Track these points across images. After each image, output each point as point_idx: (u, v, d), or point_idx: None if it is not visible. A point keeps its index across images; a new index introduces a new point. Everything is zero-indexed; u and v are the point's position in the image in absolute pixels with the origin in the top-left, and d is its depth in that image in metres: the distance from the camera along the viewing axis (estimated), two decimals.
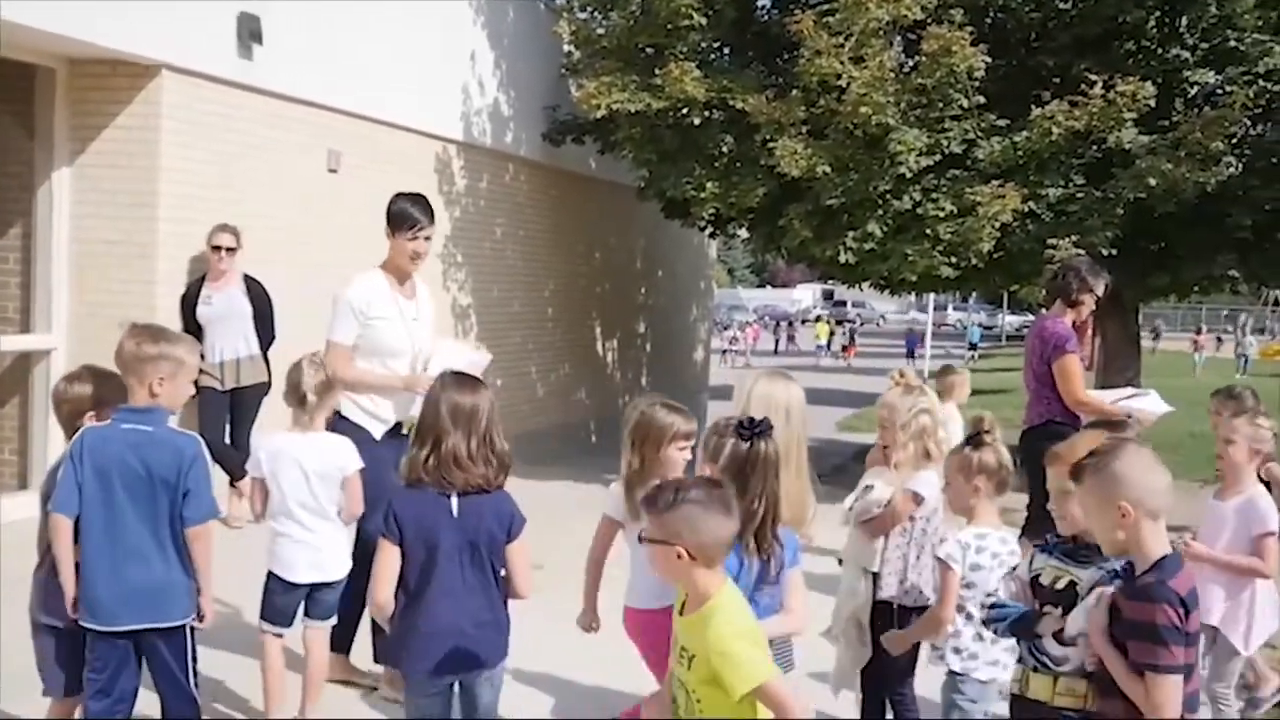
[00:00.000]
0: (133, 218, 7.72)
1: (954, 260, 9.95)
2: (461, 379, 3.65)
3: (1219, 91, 10.12)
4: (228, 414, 7.95)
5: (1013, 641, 3.95)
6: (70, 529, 3.69)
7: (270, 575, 4.54)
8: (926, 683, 4.46)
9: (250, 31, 8.21)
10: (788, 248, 11.08)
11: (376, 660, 5.13)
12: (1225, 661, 4.72)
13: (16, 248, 7.92)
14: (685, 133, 10.63)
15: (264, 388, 7.94)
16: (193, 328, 7.74)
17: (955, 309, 61.50)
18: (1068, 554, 3.28)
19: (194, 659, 3.85)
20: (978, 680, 3.92)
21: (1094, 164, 10.01)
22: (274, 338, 8.05)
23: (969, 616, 3.86)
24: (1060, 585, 3.21)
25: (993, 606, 3.35)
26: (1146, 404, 6.32)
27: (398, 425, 5.07)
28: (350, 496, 4.58)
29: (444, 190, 11.03)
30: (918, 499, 4.24)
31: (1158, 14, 10.02)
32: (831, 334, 41.93)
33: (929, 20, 9.72)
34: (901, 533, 4.29)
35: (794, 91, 9.87)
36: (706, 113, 10.46)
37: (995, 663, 3.92)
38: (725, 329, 40.06)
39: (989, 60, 9.52)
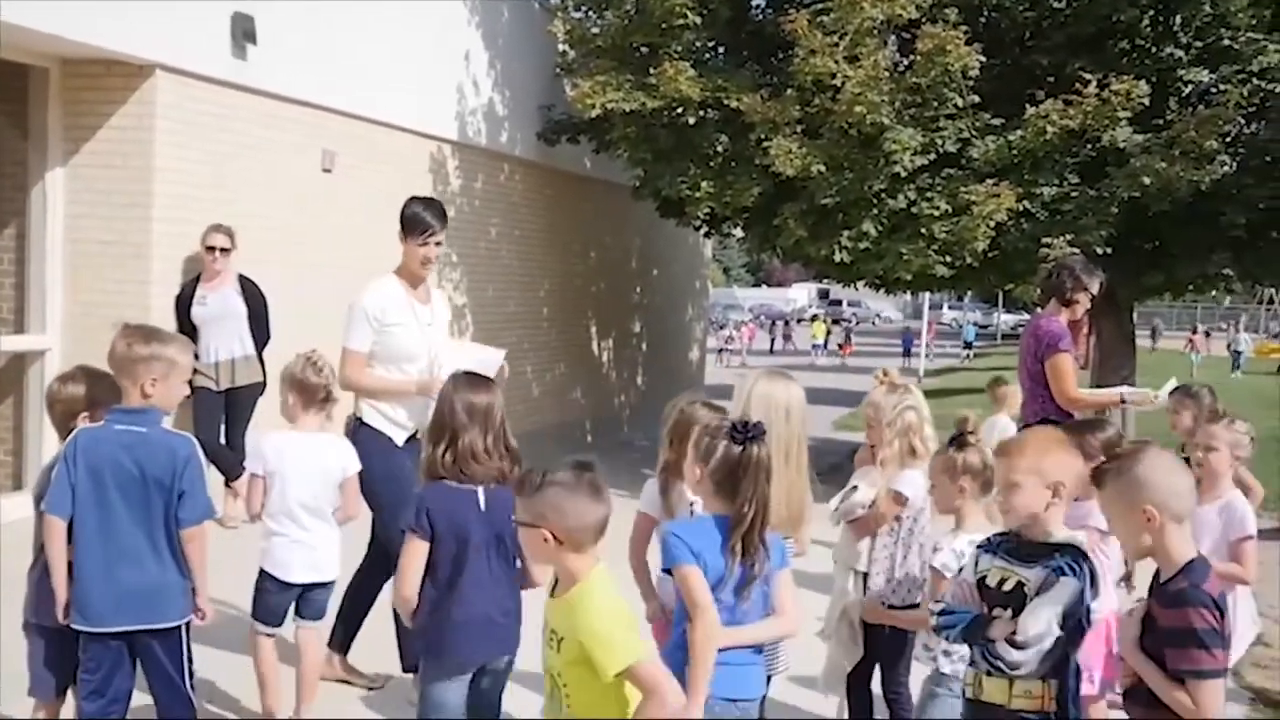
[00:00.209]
0: (127, 218, 7.72)
1: (949, 259, 9.96)
2: (473, 378, 3.77)
3: (1213, 90, 10.13)
4: (223, 414, 7.95)
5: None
6: (64, 530, 3.69)
7: (264, 574, 4.53)
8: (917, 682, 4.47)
9: (244, 31, 8.20)
10: (783, 247, 11.08)
11: (405, 669, 5.10)
12: None
13: (11, 248, 7.91)
14: (680, 132, 10.63)
15: (259, 388, 7.94)
16: (187, 328, 7.74)
17: (950, 308, 61.54)
18: (1012, 553, 3.19)
19: (189, 660, 3.85)
20: (960, 676, 3.93)
21: (1088, 163, 10.02)
22: (269, 338, 8.05)
23: None
24: (1008, 586, 3.13)
25: (942, 613, 3.25)
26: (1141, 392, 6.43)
27: (417, 432, 5.06)
28: (349, 498, 4.58)
29: (439, 190, 11.02)
30: (900, 499, 4.24)
31: (1151, 13, 10.02)
32: (828, 333, 41.94)
33: (923, 19, 9.72)
34: (889, 532, 4.29)
35: (789, 91, 9.86)
36: (701, 112, 10.45)
37: None
38: (721, 328, 40.07)
39: (983, 59, 9.52)
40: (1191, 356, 33.62)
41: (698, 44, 10.90)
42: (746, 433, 3.25)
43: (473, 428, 3.61)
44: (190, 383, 7.71)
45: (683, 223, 12.35)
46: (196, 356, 7.75)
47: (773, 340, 45.87)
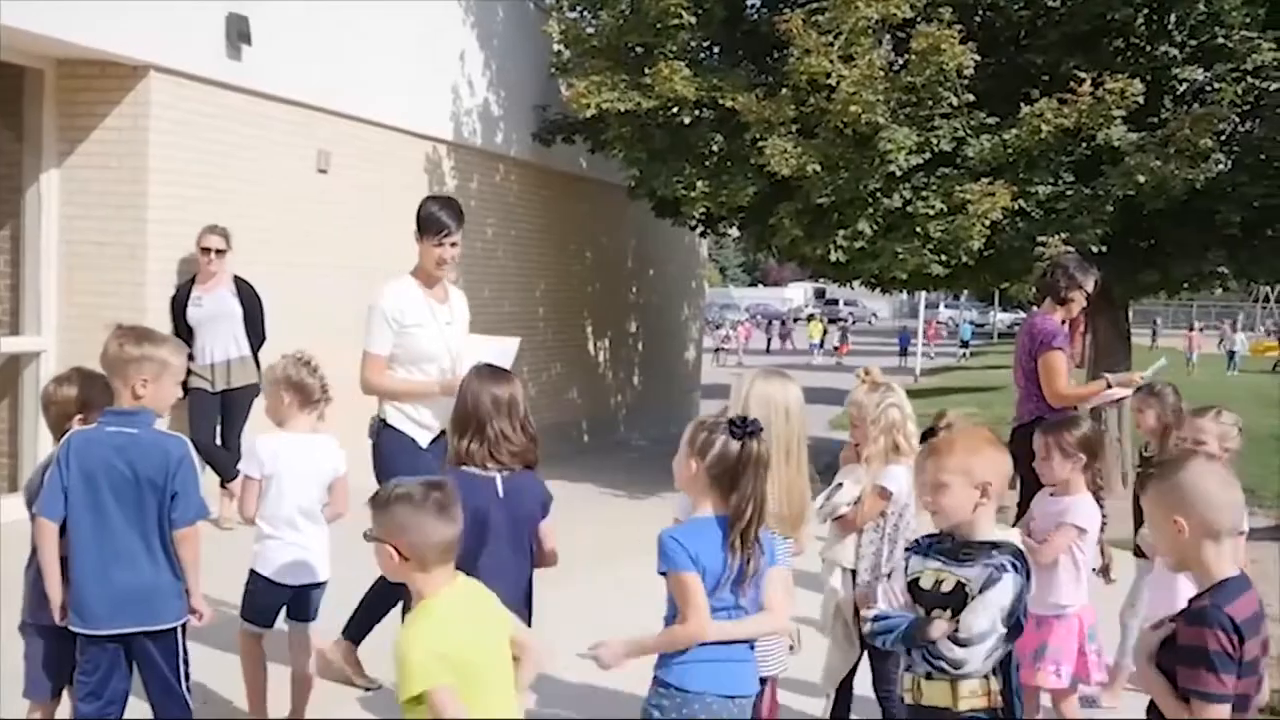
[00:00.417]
0: (122, 219, 7.72)
1: (944, 258, 9.95)
2: (494, 371, 3.89)
3: (1207, 88, 10.12)
4: (218, 415, 7.94)
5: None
6: (55, 533, 3.68)
7: (255, 575, 4.51)
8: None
9: (239, 32, 8.20)
10: (778, 246, 11.09)
11: None
12: None
13: (5, 250, 7.90)
14: (675, 132, 10.63)
15: (254, 389, 7.92)
16: (183, 329, 7.74)
17: (947, 307, 61.62)
18: (947, 554, 3.12)
19: (185, 662, 3.84)
20: None
21: (1083, 161, 10.02)
22: (264, 339, 8.05)
23: None
24: (947, 587, 3.06)
25: (876, 619, 3.17)
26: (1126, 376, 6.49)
27: (442, 432, 5.01)
28: (337, 496, 4.58)
29: (434, 190, 11.02)
30: (885, 494, 4.27)
31: (1146, 11, 10.02)
32: (825, 332, 41.98)
33: (918, 18, 9.72)
34: (874, 528, 4.31)
35: (784, 90, 9.86)
36: (696, 112, 10.45)
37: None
38: (717, 328, 40.08)
39: (978, 58, 9.51)
40: (1188, 355, 33.66)
41: (693, 44, 10.89)
42: (745, 428, 3.25)
43: (499, 417, 3.75)
44: (185, 384, 7.72)
45: (678, 222, 12.35)
46: (192, 358, 7.77)
47: (769, 340, 45.92)
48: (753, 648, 3.34)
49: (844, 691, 4.50)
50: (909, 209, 9.90)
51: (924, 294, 27.05)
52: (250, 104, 8.51)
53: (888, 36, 10.20)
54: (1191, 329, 37.65)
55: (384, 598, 5.08)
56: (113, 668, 3.75)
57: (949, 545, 3.13)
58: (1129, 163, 9.35)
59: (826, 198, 9.91)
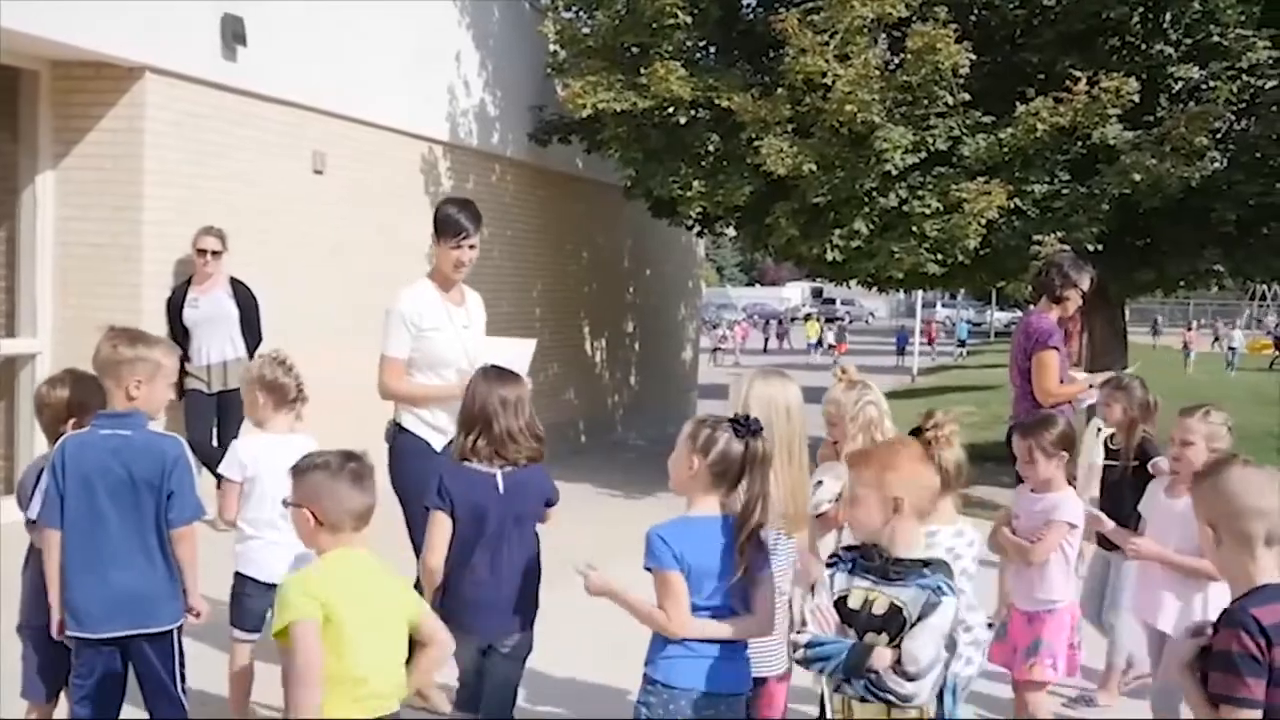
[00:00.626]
0: (117, 220, 7.71)
1: (940, 257, 9.96)
2: (502, 373, 3.97)
3: (1203, 87, 10.14)
4: (214, 417, 7.94)
5: (978, 635, 3.99)
6: (59, 542, 3.68)
7: (241, 578, 4.50)
8: None
9: (234, 33, 8.20)
10: (774, 246, 11.09)
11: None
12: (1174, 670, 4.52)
13: (1, 251, 7.89)
14: (671, 132, 10.63)
15: None
16: (179, 331, 7.74)
17: (944, 306, 61.66)
18: (874, 572, 2.96)
19: (181, 664, 3.84)
20: None
21: (1079, 160, 10.03)
22: (260, 340, 8.05)
23: None
24: (879, 609, 2.90)
25: (809, 645, 2.94)
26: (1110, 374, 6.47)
27: None
28: None
29: (430, 191, 11.02)
30: None
31: (1141, 10, 10.03)
32: (822, 331, 41.99)
33: (913, 18, 9.73)
34: None
35: (779, 90, 9.87)
36: (692, 111, 10.46)
37: (958, 659, 3.93)
38: (714, 328, 40.09)
39: (974, 57, 9.52)
40: (1185, 353, 33.70)
41: (688, 43, 10.90)
42: (748, 427, 3.25)
43: (505, 415, 3.81)
44: (182, 385, 7.74)
45: (675, 222, 12.36)
46: (188, 359, 7.77)
47: (766, 339, 45.92)
48: (745, 647, 3.34)
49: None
50: (905, 208, 9.91)
51: (921, 293, 27.05)
52: (246, 105, 8.50)
53: (883, 36, 10.21)
54: (1189, 327, 37.69)
55: None
56: (108, 670, 3.75)
57: (877, 563, 2.97)
58: (1124, 161, 9.36)
59: (822, 197, 9.92)
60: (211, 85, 8.15)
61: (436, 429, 5.04)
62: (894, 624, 2.86)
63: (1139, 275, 10.84)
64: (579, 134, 11.99)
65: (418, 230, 10.84)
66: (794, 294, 70.06)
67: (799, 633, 2.99)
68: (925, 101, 9.74)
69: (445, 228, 5.06)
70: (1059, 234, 9.42)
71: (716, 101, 10.09)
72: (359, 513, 3.12)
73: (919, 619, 2.81)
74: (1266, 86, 9.83)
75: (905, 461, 3.02)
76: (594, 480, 10.91)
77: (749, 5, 11.73)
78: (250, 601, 4.49)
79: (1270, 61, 9.64)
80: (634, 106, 10.18)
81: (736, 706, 3.26)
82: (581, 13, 11.48)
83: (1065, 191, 9.86)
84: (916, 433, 3.94)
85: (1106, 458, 5.36)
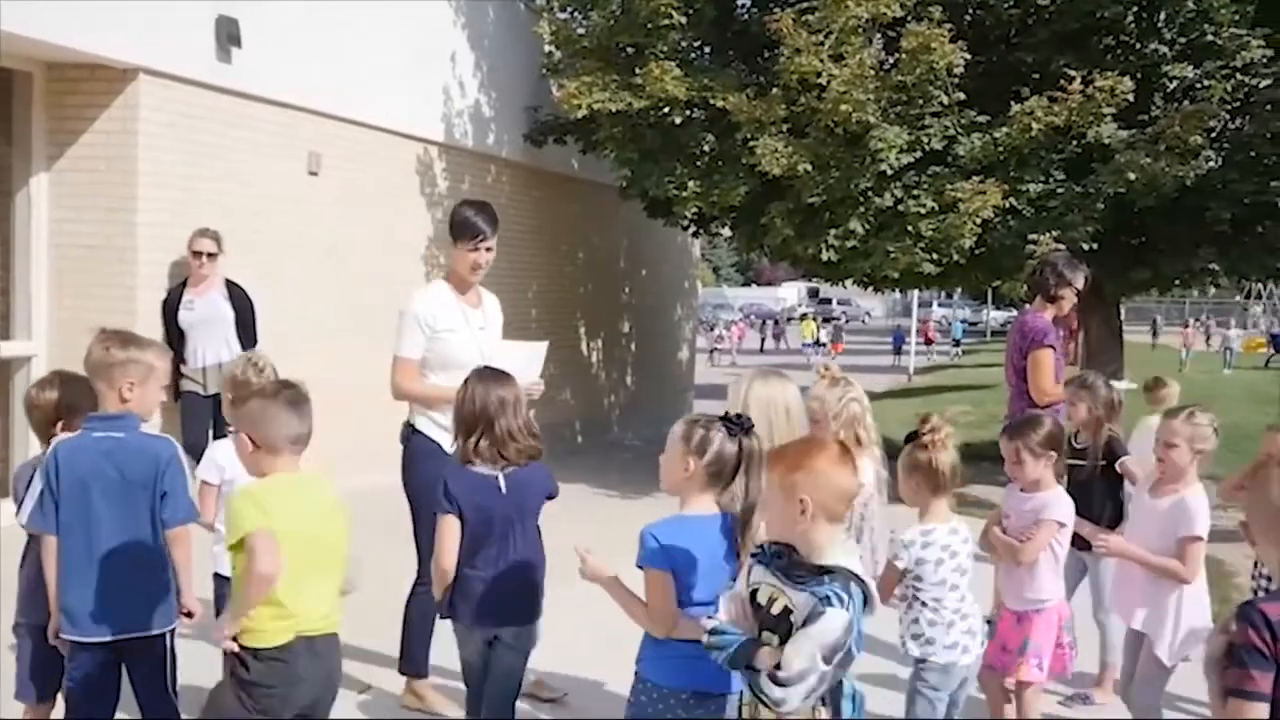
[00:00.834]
0: (112, 222, 7.70)
1: (935, 257, 9.97)
2: (495, 373, 4.01)
3: (1197, 86, 10.16)
4: (210, 419, 7.92)
5: (973, 624, 4.03)
6: (55, 546, 3.67)
7: (220, 579, 4.49)
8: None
9: (228, 34, 8.19)
10: (770, 246, 11.10)
11: (401, 671, 5.10)
12: (1150, 669, 4.45)
13: None
14: (666, 132, 10.64)
15: None
16: (174, 333, 7.73)
17: (940, 305, 61.70)
18: (784, 570, 2.85)
19: (174, 667, 3.84)
20: (937, 665, 4.00)
21: (1074, 159, 10.04)
22: (256, 342, 8.03)
23: (924, 604, 4.00)
24: (776, 609, 2.82)
25: (713, 632, 2.88)
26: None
27: None
28: None
29: (425, 192, 11.02)
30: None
31: (1135, 9, 10.05)
32: (818, 331, 41.99)
33: (908, 17, 9.74)
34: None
35: (774, 90, 9.87)
36: (687, 112, 10.46)
37: (954, 645, 4.00)
38: (711, 328, 40.10)
39: (968, 57, 9.53)
40: (1181, 352, 33.74)
41: (683, 44, 10.90)
42: (740, 425, 3.26)
43: (505, 415, 3.86)
44: (178, 387, 7.73)
45: (670, 222, 12.36)
46: (184, 361, 7.76)
47: (763, 339, 45.92)
48: None
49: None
50: (900, 208, 9.91)
51: (917, 293, 27.07)
52: (240, 106, 8.49)
53: (878, 35, 10.22)
54: (1186, 326, 37.73)
55: (424, 616, 4.98)
56: (102, 673, 3.73)
57: (785, 561, 2.87)
58: (1119, 160, 9.37)
59: (818, 197, 9.92)
60: (206, 86, 8.15)
61: (448, 430, 5.04)
62: (783, 626, 2.78)
63: (1134, 274, 10.86)
64: (574, 134, 11.99)
65: (413, 231, 10.87)
66: (790, 294, 70.06)
67: (710, 618, 2.93)
68: (920, 101, 9.75)
69: (462, 230, 5.05)
70: (1054, 233, 9.43)
71: (711, 101, 10.09)
72: (294, 437, 3.33)
73: (802, 626, 2.72)
74: (1260, 85, 9.85)
75: (815, 463, 2.83)
76: (590, 480, 10.91)
77: (744, 5, 11.73)
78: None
79: (1264, 60, 9.66)
80: (629, 107, 10.18)
81: (725, 705, 3.26)
82: (576, 13, 11.48)
83: (1060, 191, 9.87)
84: (913, 436, 3.99)
85: (1072, 457, 5.35)
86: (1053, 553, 4.46)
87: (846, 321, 59.02)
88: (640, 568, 3.23)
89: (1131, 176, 9.27)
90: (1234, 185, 9.77)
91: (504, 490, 3.86)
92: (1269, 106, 9.62)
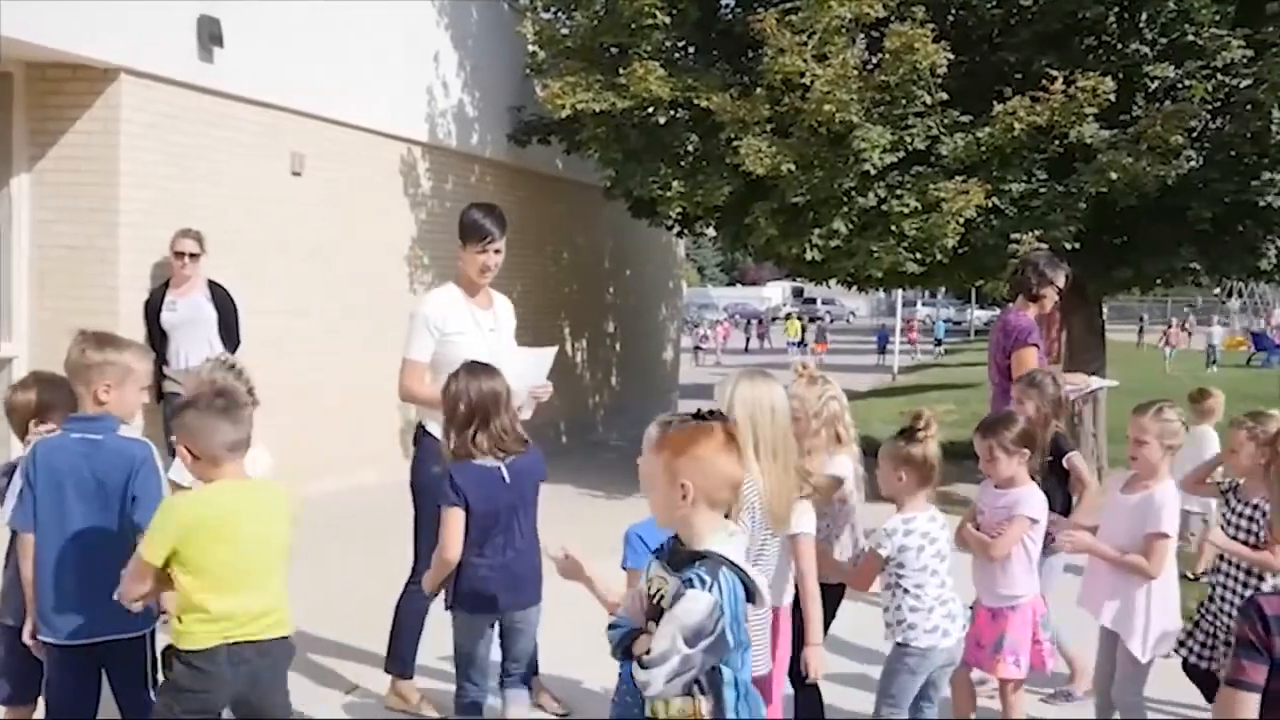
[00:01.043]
0: (93, 223, 7.67)
1: (919, 256, 9.99)
2: (481, 367, 4.09)
3: (1178, 86, 10.19)
4: None
5: (953, 608, 4.09)
6: (33, 545, 3.66)
7: None
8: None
9: (210, 34, 8.17)
10: (754, 246, 11.11)
11: (387, 670, 5.10)
12: (1128, 668, 4.50)
13: None
14: (650, 132, 10.64)
15: None
16: (157, 334, 7.70)
17: (924, 304, 61.86)
18: (670, 559, 2.85)
19: (154, 668, 3.82)
20: (918, 649, 4.10)
21: (1056, 159, 10.08)
22: (239, 343, 8.00)
23: (905, 591, 4.11)
24: (659, 599, 2.80)
25: (610, 626, 2.92)
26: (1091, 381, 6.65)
27: None
28: None
29: (409, 192, 11.00)
30: (837, 482, 4.40)
31: (1117, 10, 10.09)
32: (803, 330, 42.04)
33: (891, 18, 9.76)
34: (820, 515, 4.35)
35: (758, 90, 9.88)
36: (671, 112, 10.47)
37: (934, 629, 4.10)
38: (695, 327, 40.12)
39: (951, 57, 9.55)
40: (1165, 351, 33.86)
41: (667, 44, 10.90)
42: (716, 420, 3.26)
43: (498, 410, 3.96)
44: (160, 389, 7.70)
45: (655, 222, 12.36)
46: (166, 362, 7.73)
47: (747, 339, 45.98)
48: None
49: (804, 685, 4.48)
50: (884, 207, 9.93)
51: (900, 292, 27.13)
52: (222, 106, 8.47)
53: (861, 36, 10.24)
54: (1169, 325, 37.87)
55: (415, 614, 4.99)
56: (82, 676, 3.73)
57: (667, 549, 2.89)
58: (1101, 160, 9.41)
59: (801, 197, 9.94)
60: (188, 87, 8.12)
61: None
62: (659, 613, 2.78)
63: (1116, 273, 10.90)
64: (558, 134, 11.99)
65: (397, 231, 10.84)
66: (775, 294, 70.12)
67: (612, 613, 2.94)
68: (903, 101, 9.77)
69: (470, 232, 5.08)
70: (1037, 233, 9.46)
71: (695, 101, 10.10)
72: (231, 444, 3.37)
73: (670, 609, 2.72)
74: (1241, 85, 9.90)
75: (698, 449, 2.80)
76: (575, 481, 10.90)
77: (727, 5, 11.74)
78: None
79: (1245, 60, 9.71)
80: (613, 107, 10.18)
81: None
82: (560, 13, 11.48)
83: (1043, 190, 9.91)
84: (905, 431, 4.06)
85: None
86: (1025, 550, 4.49)
87: (831, 321, 59.16)
88: (625, 569, 3.23)
89: (1113, 176, 9.31)
90: (1214, 185, 9.81)
91: (508, 480, 3.99)
92: (1249, 106, 9.66)
